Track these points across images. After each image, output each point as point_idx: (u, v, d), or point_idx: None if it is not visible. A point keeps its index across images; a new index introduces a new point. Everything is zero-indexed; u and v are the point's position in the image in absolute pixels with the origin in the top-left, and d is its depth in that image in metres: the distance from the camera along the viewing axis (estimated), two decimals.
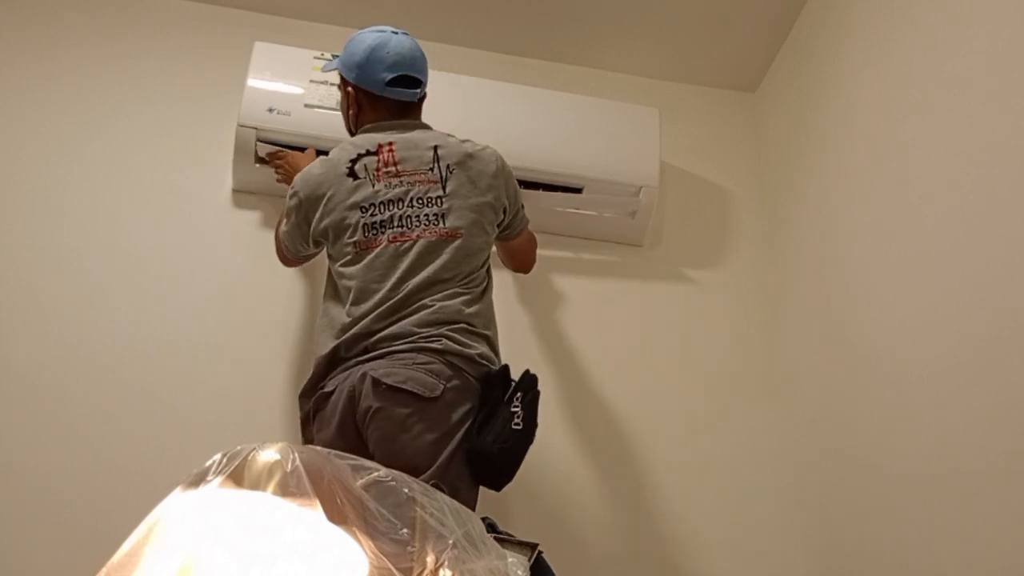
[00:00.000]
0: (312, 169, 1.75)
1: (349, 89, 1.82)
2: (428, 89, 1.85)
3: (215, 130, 2.25)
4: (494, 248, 1.86)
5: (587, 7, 2.42)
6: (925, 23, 1.81)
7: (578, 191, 2.24)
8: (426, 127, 1.79)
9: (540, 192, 2.21)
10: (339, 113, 2.02)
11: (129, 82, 2.30)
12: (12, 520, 1.80)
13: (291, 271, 2.12)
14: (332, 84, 2.15)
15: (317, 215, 1.72)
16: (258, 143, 2.10)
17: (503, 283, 2.24)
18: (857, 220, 1.99)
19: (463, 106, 2.15)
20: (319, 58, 2.19)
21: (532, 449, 1.94)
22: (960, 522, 1.55)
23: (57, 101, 2.24)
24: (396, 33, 1.79)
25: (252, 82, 2.12)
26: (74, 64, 2.30)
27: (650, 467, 2.10)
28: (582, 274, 2.30)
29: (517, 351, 2.10)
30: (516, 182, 1.83)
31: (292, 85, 2.14)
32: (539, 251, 2.31)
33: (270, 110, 2.10)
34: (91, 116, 2.24)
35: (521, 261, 2.08)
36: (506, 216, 1.80)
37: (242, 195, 2.22)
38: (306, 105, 2.12)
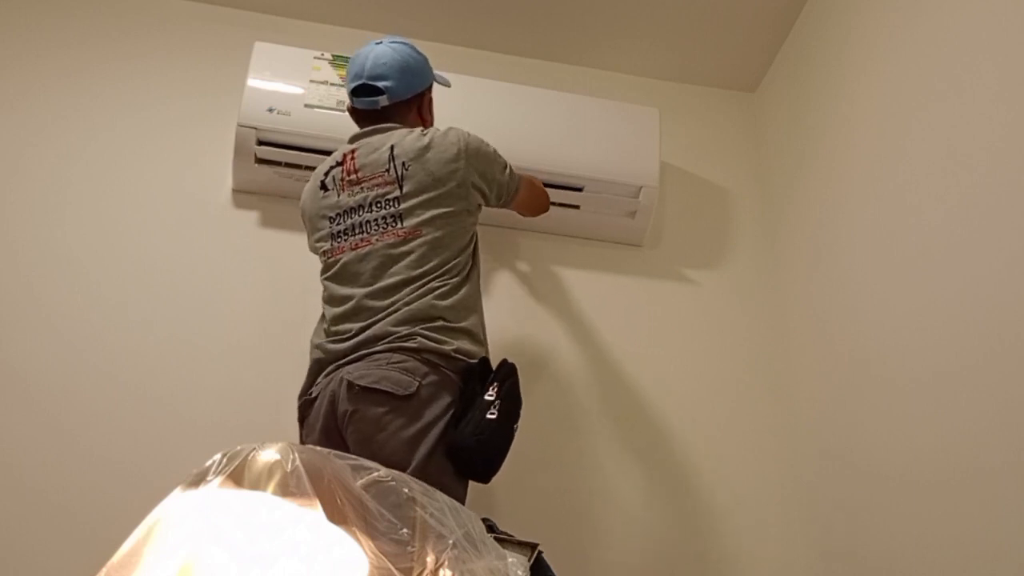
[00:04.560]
0: (308, 183, 1.82)
1: (347, 104, 1.85)
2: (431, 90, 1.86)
3: (215, 130, 2.26)
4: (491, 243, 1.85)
5: (587, 7, 2.42)
6: (925, 23, 1.81)
7: (578, 191, 2.24)
8: (393, 128, 1.75)
9: None
10: (338, 113, 2.03)
11: (129, 82, 2.30)
12: (12, 520, 1.80)
13: (289, 271, 2.12)
14: (332, 84, 2.16)
15: (307, 229, 1.79)
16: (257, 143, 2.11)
17: (501, 283, 2.24)
18: (857, 220, 1.99)
19: (463, 106, 2.15)
20: (319, 58, 2.19)
21: (530, 449, 1.95)
22: (960, 525, 1.55)
23: (57, 101, 2.25)
24: (380, 43, 1.79)
25: (252, 82, 2.13)
26: (74, 64, 2.30)
27: (650, 467, 2.10)
28: (581, 274, 2.30)
29: (515, 351, 2.10)
30: (488, 155, 1.75)
31: (292, 85, 2.15)
32: (538, 251, 2.31)
33: (270, 110, 2.10)
34: (91, 116, 2.25)
35: (531, 211, 2.05)
36: (487, 192, 1.76)
37: (242, 195, 2.22)
38: (306, 105, 2.12)
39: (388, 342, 1.56)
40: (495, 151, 1.78)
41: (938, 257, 1.68)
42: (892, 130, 1.89)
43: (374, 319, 1.59)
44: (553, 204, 2.15)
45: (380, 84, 1.75)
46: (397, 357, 1.55)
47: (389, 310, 1.59)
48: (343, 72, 2.15)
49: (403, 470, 1.40)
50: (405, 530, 0.99)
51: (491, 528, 1.35)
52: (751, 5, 2.38)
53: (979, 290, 1.55)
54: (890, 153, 1.88)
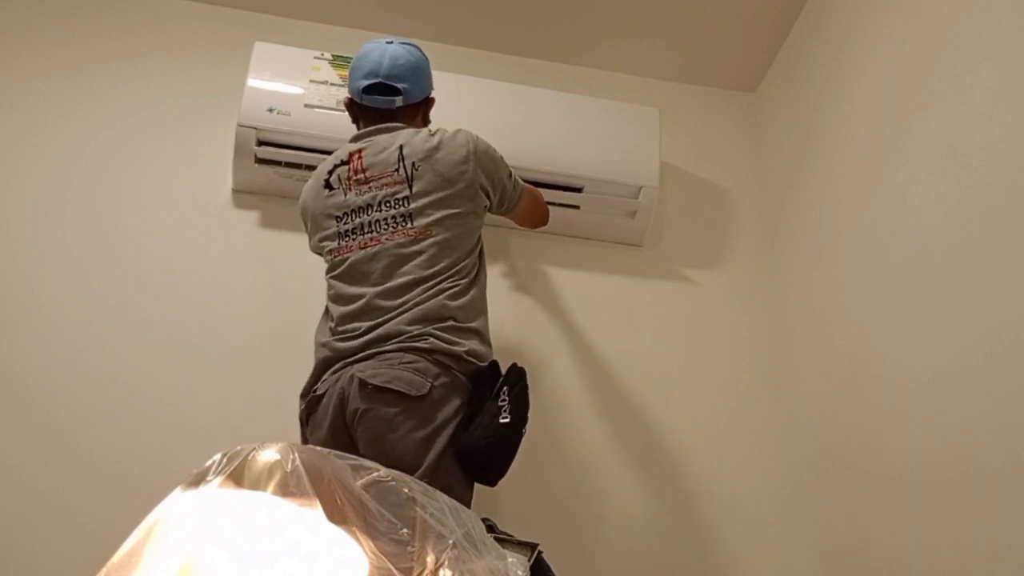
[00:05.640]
0: (308, 182, 1.81)
1: (345, 98, 1.84)
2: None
3: (215, 130, 2.26)
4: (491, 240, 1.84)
5: (587, 7, 2.42)
6: (925, 23, 1.81)
7: (578, 191, 2.24)
8: (399, 128, 1.76)
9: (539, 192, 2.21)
10: (338, 113, 2.03)
11: (129, 82, 2.30)
12: (12, 520, 1.80)
13: (289, 271, 2.12)
14: (332, 84, 2.16)
15: (309, 228, 1.78)
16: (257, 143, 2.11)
17: (501, 283, 2.24)
18: (857, 220, 1.99)
19: (463, 106, 2.15)
20: (319, 58, 2.19)
21: (531, 449, 1.95)
22: (960, 525, 1.55)
23: (58, 101, 2.25)
24: (391, 43, 1.79)
25: (252, 82, 2.13)
26: (75, 64, 2.30)
27: (649, 467, 2.10)
28: (581, 274, 2.30)
29: (516, 352, 2.10)
30: (495, 159, 1.77)
31: (292, 85, 2.15)
32: (538, 252, 2.30)
33: (270, 110, 2.10)
34: (91, 116, 2.25)
35: (530, 222, 2.06)
36: (492, 195, 1.77)
37: (242, 195, 2.22)
38: (306, 105, 2.12)
39: (399, 341, 1.56)
40: (501, 157, 1.79)
41: (938, 257, 1.68)
42: (892, 130, 1.89)
43: (384, 318, 1.59)
44: (553, 204, 2.15)
45: (399, 85, 1.75)
46: (409, 357, 1.54)
47: (400, 309, 1.59)
48: (343, 72, 2.15)
49: (414, 471, 1.41)
50: (405, 530, 0.99)
51: (491, 528, 1.35)
52: (751, 5, 2.38)
53: (979, 290, 1.55)
54: (890, 153, 1.88)
